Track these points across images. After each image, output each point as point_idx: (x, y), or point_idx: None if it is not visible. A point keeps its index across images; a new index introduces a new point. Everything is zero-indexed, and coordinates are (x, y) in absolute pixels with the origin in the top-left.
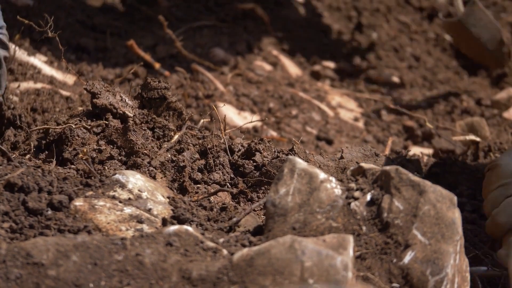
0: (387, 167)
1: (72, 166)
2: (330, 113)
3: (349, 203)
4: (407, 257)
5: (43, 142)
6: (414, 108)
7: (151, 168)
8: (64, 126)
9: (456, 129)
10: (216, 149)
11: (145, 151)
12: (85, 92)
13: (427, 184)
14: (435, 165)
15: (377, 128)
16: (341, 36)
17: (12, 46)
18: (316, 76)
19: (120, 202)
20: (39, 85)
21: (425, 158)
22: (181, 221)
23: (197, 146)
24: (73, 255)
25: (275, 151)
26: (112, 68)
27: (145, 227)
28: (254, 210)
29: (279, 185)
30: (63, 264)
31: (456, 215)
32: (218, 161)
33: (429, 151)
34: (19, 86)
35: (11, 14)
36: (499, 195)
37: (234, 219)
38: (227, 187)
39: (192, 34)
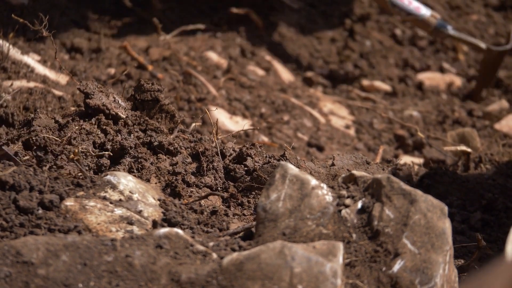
0: (379, 175)
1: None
2: (322, 120)
3: (339, 210)
4: (397, 266)
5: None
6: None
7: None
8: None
9: (447, 140)
10: (209, 153)
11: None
12: (78, 92)
13: (418, 193)
14: (425, 175)
15: (368, 136)
16: (334, 43)
17: (6, 44)
18: (309, 82)
19: (111, 203)
20: (32, 84)
21: (416, 167)
22: (171, 224)
23: (189, 149)
24: (63, 254)
25: (266, 157)
26: (105, 69)
27: (135, 229)
28: (244, 215)
29: (270, 191)
30: (52, 264)
31: (446, 225)
32: (211, 165)
33: (420, 160)
34: (12, 84)
35: (6, 12)
36: None
37: (230, 231)
38: (218, 191)
39: (185, 37)
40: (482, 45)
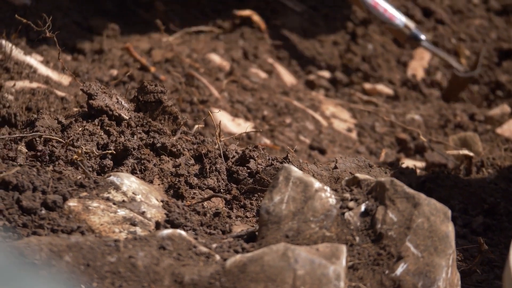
0: (382, 179)
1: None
2: (324, 122)
3: (343, 213)
4: (400, 269)
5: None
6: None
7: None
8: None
9: (449, 143)
10: (211, 155)
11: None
12: (80, 93)
13: (422, 196)
14: (427, 178)
15: (370, 139)
16: (337, 46)
17: (8, 45)
18: (311, 85)
19: (114, 204)
20: (34, 85)
21: (418, 171)
22: (174, 225)
23: (192, 151)
24: (66, 255)
25: (269, 159)
26: (108, 70)
27: (138, 230)
28: (247, 217)
29: (274, 193)
30: (55, 264)
31: (449, 228)
32: (214, 167)
33: (422, 164)
34: (14, 85)
35: (8, 13)
36: None
37: (234, 234)
38: (221, 193)
39: (188, 39)
40: (454, 63)
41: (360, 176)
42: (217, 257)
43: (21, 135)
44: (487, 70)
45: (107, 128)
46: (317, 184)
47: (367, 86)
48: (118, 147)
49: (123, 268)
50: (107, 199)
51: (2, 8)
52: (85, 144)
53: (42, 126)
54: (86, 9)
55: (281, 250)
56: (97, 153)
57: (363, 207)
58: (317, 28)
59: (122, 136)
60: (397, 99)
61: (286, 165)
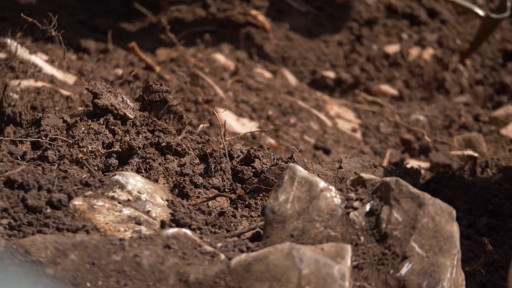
0: (387, 178)
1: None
2: (328, 123)
3: (348, 213)
4: (404, 269)
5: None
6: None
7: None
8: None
9: (454, 144)
10: (216, 154)
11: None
12: (85, 92)
13: (427, 196)
14: (432, 179)
15: (374, 139)
16: (342, 46)
17: (14, 43)
18: (315, 85)
19: (119, 203)
20: (39, 84)
21: (422, 171)
22: (179, 224)
23: (197, 150)
24: (72, 254)
25: (274, 159)
26: (113, 69)
27: (143, 229)
28: (252, 216)
29: (279, 192)
30: (61, 263)
31: (454, 228)
32: (219, 167)
33: (426, 164)
34: (19, 84)
35: (14, 11)
36: None
37: (237, 232)
38: (226, 192)
39: (193, 39)
40: (480, 12)
41: (365, 176)
42: (222, 256)
43: (30, 139)
44: (492, 71)
45: (112, 127)
46: (322, 184)
47: (372, 86)
48: (123, 146)
49: (128, 266)
50: (112, 198)
51: (8, 7)
52: (90, 143)
53: (47, 125)
54: (92, 8)
55: (286, 250)
56: (102, 152)
57: (368, 207)
58: (322, 28)
59: (127, 135)
60: (402, 100)
61: (291, 164)
